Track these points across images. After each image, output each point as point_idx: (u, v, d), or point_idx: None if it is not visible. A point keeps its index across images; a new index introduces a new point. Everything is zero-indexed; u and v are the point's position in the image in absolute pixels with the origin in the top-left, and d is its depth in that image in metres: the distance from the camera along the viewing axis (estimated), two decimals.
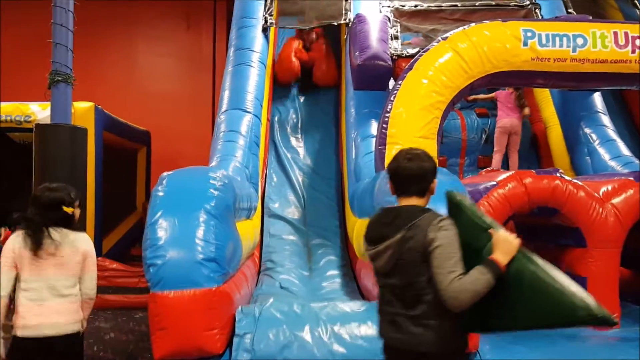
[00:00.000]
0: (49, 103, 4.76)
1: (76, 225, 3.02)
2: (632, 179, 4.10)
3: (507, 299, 1.97)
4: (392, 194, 2.29)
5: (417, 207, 2.19)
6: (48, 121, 4.70)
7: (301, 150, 7.27)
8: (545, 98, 6.97)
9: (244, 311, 3.20)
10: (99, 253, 7.33)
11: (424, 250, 2.06)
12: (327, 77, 7.75)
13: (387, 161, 4.35)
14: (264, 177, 6.42)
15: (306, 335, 3.01)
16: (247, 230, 4.26)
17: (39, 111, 7.09)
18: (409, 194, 2.22)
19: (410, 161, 2.21)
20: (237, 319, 3.13)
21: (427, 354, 2.05)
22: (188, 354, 2.87)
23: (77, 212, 3.03)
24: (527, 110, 6.51)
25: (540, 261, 1.97)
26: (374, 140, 5.00)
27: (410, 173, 2.21)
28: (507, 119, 6.42)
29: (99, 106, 7.64)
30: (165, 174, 3.30)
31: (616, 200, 3.98)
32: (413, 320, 2.07)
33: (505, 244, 2.00)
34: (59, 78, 4.60)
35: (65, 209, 2.92)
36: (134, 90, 11.13)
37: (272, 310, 3.17)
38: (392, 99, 4.44)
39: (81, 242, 2.96)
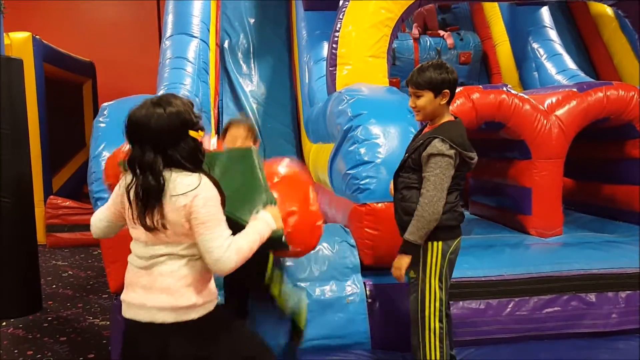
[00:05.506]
0: None
1: None
2: (575, 90, 4.17)
3: None
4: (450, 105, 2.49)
5: None
6: None
7: (255, 78, 7.10)
8: (494, 15, 6.96)
9: None
10: (49, 191, 7.25)
11: None
12: None
13: (338, 83, 4.30)
14: (216, 106, 6.27)
15: None
16: None
17: None
18: None
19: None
20: None
21: None
22: None
23: None
24: None
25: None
26: None
27: None
28: None
29: (37, 36, 7.21)
30: (106, 104, 3.18)
31: (560, 112, 4.06)
32: None
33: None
34: None
35: None
36: (74, 18, 10.47)
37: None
38: (341, 17, 4.32)
39: None
